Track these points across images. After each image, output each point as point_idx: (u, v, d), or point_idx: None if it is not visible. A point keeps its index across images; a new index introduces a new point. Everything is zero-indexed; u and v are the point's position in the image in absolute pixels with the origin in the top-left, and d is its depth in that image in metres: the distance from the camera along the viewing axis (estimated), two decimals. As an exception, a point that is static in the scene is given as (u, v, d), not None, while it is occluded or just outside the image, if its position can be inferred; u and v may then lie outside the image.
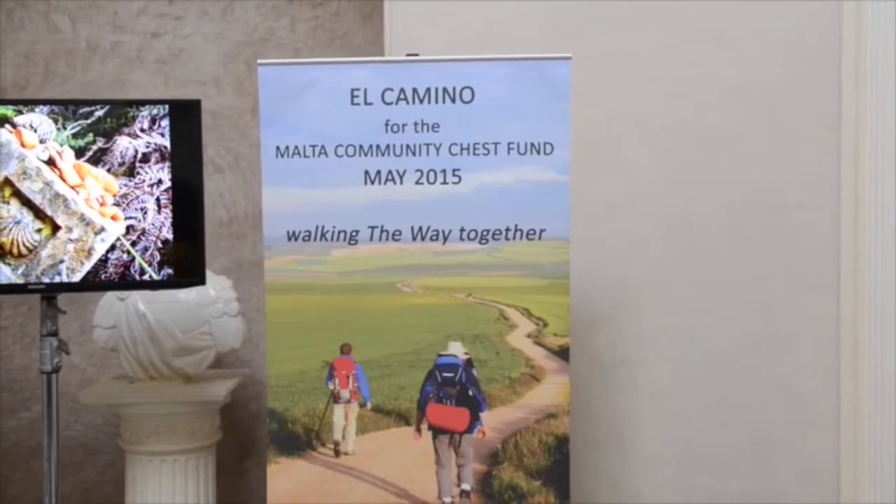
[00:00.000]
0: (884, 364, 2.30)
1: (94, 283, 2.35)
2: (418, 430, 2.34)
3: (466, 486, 2.32)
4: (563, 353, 2.34)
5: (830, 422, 2.33)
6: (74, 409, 3.16)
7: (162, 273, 2.38)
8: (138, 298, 2.83)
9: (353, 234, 2.35)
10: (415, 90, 2.32)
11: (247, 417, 3.37)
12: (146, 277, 2.38)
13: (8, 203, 2.28)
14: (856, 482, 2.29)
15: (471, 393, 2.33)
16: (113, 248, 2.35)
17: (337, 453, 2.35)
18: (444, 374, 2.34)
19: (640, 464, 2.62)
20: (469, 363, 2.34)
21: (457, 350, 2.34)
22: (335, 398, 2.37)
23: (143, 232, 2.37)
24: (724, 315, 2.50)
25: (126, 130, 2.34)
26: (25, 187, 2.30)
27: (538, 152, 2.31)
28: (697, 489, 2.53)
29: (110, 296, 2.90)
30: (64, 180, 2.31)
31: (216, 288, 2.91)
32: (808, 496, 2.36)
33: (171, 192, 2.35)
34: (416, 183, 2.33)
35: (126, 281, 2.37)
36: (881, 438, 2.28)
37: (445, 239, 2.33)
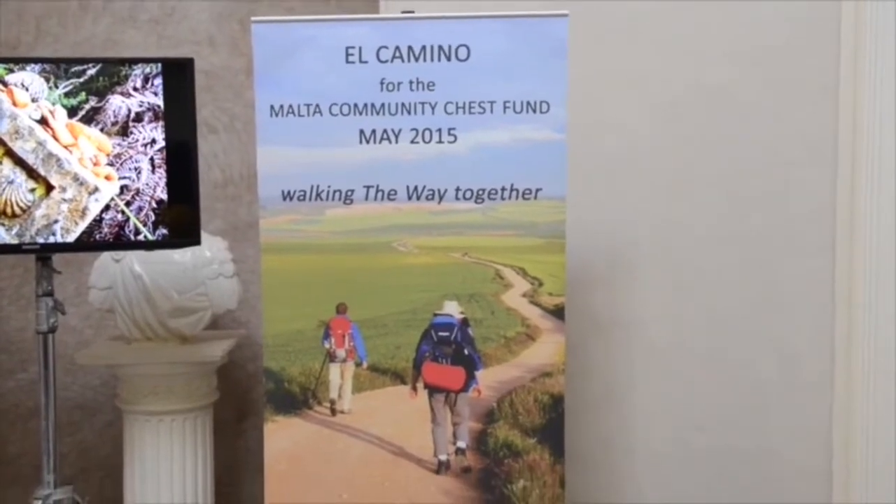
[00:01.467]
0: (878, 324, 2.31)
1: (88, 243, 2.34)
2: (414, 388, 2.35)
3: (462, 444, 2.33)
4: (558, 313, 2.34)
5: (824, 382, 2.34)
6: (71, 370, 3.17)
7: (157, 233, 2.38)
8: (134, 259, 2.83)
9: (349, 193, 2.34)
10: (410, 48, 2.30)
11: (244, 378, 3.38)
12: (141, 237, 2.37)
13: (0, 163, 2.27)
14: (847, 443, 2.31)
15: (466, 352, 2.34)
16: (107, 208, 2.34)
17: (333, 412, 2.37)
18: (440, 334, 2.35)
19: (634, 422, 2.64)
20: (465, 322, 2.34)
21: (452, 309, 2.35)
22: (331, 357, 2.38)
23: (138, 192, 2.36)
24: (720, 275, 2.50)
25: (119, 89, 2.31)
26: (18, 147, 2.28)
27: (535, 111, 2.29)
28: (691, 447, 2.55)
29: (105, 257, 2.90)
30: (57, 140, 2.29)
31: (212, 249, 2.90)
32: (800, 456, 2.38)
33: (164, 152, 2.34)
34: (412, 142, 2.32)
35: (121, 241, 2.37)
36: (874, 399, 2.29)
37: (441, 198, 2.32)
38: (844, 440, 2.31)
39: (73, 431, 3.22)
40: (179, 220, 2.38)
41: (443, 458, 2.33)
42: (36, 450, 2.49)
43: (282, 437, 2.37)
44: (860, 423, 2.30)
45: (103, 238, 2.35)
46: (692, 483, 2.54)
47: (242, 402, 3.38)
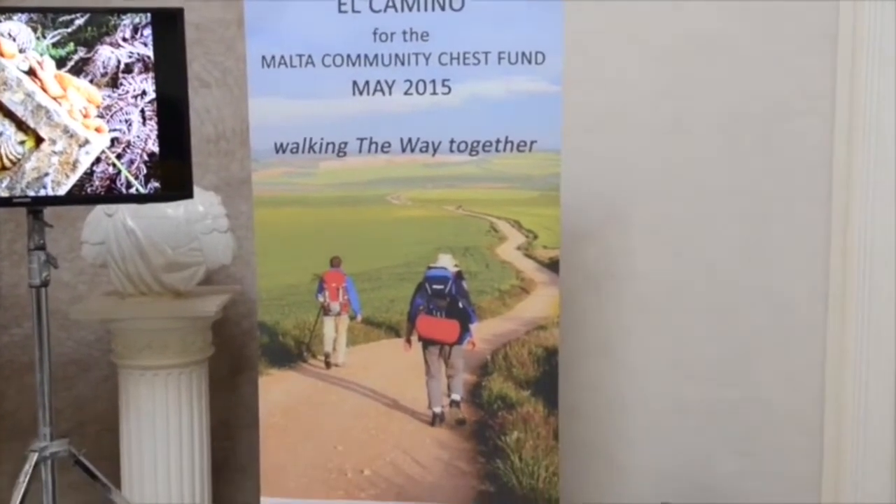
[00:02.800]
0: (873, 273, 2.30)
1: (79, 196, 2.33)
2: (408, 341, 2.36)
3: (456, 397, 2.34)
4: (552, 266, 2.34)
5: (817, 332, 2.35)
6: (66, 325, 3.17)
7: (148, 186, 2.36)
8: (126, 214, 2.81)
9: (342, 145, 2.32)
10: (403, -3, 2.27)
11: (238, 334, 3.38)
12: (133, 191, 2.35)
13: (-11, 115, 2.24)
14: (840, 391, 2.32)
15: (461, 305, 2.34)
16: (98, 160, 2.32)
17: (328, 365, 2.37)
18: (434, 287, 2.34)
19: (628, 374, 2.66)
20: (459, 275, 2.34)
21: (447, 262, 2.34)
22: (325, 311, 2.38)
23: (129, 144, 2.33)
24: (715, 226, 2.49)
25: (108, 40, 2.28)
26: (6, 98, 2.25)
27: (529, 62, 2.27)
28: (684, 398, 2.56)
29: (98, 212, 2.88)
30: (45, 91, 2.26)
31: (205, 204, 2.88)
32: (792, 405, 2.39)
33: (155, 104, 2.31)
34: (406, 93, 2.30)
35: (112, 194, 2.35)
36: (868, 348, 2.30)
37: (435, 150, 2.31)
38: (836, 390, 2.32)
39: (68, 386, 3.23)
40: (171, 173, 2.36)
41: (437, 410, 2.35)
42: (32, 404, 2.49)
43: (276, 389, 2.38)
44: (852, 373, 2.32)
45: (95, 191, 2.33)
46: (686, 433, 2.56)
47: (237, 357, 3.39)
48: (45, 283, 2.41)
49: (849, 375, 2.33)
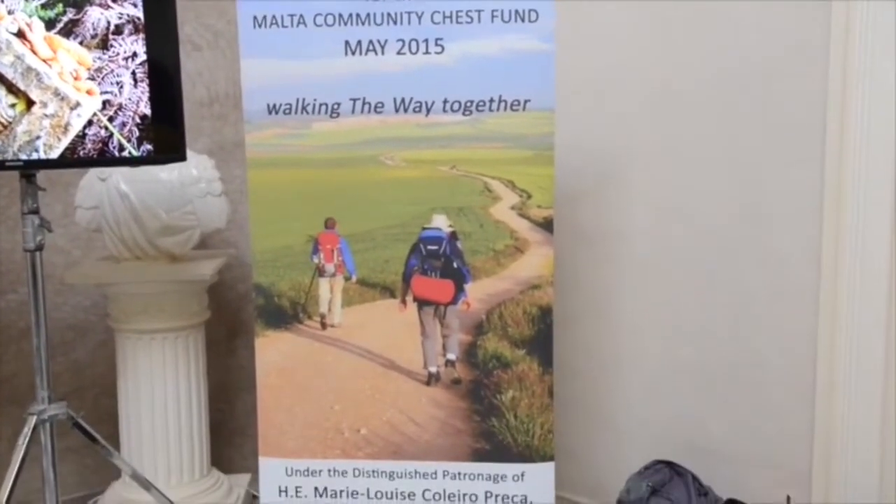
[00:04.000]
0: (866, 234, 2.30)
1: (72, 159, 2.32)
2: (403, 302, 2.36)
3: (451, 356, 2.36)
4: (547, 225, 2.34)
5: (810, 292, 2.35)
6: (62, 290, 3.17)
7: (141, 149, 2.35)
8: (120, 178, 2.80)
9: (335, 106, 2.31)
10: (396, -45, 2.24)
11: (234, 298, 3.39)
12: (125, 154, 2.34)
13: (-21, 78, 2.23)
14: (832, 350, 2.33)
15: (455, 265, 2.35)
16: (90, 123, 2.31)
17: (323, 326, 2.38)
18: (429, 247, 2.35)
19: (622, 334, 2.67)
20: (453, 236, 2.34)
21: (441, 223, 2.34)
22: (320, 272, 2.38)
23: (120, 107, 2.32)
24: (709, 187, 2.49)
25: (97, 1, 2.26)
26: (-4, 61, 2.24)
27: (523, 20, 2.25)
28: (678, 359, 2.58)
29: (91, 176, 2.87)
30: (35, 53, 2.24)
31: (198, 167, 2.88)
32: (785, 365, 2.41)
33: (146, 66, 2.29)
34: (398, 53, 2.28)
35: (105, 157, 2.34)
36: (860, 308, 2.31)
37: (428, 111, 2.30)
38: (829, 349, 2.33)
39: (66, 351, 3.24)
40: (164, 136, 2.35)
41: (433, 370, 2.36)
42: (30, 369, 2.50)
43: (273, 351, 2.39)
44: (845, 332, 2.33)
45: (87, 154, 2.32)
46: (679, 393, 2.58)
47: (233, 321, 3.40)
48: (40, 248, 2.41)
49: (841, 335, 2.33)
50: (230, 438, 3.39)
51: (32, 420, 2.46)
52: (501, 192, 2.34)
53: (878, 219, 2.27)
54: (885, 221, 2.26)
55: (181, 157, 2.42)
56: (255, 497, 2.94)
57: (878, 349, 2.28)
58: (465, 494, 2.34)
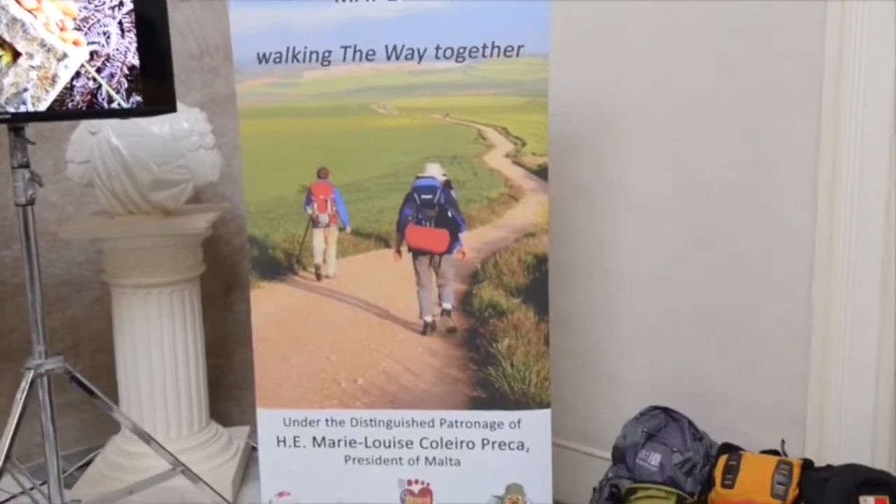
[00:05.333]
0: (862, 181, 2.29)
1: (60, 111, 2.29)
2: (398, 252, 2.36)
3: (447, 305, 2.36)
4: (541, 173, 2.32)
5: (806, 241, 2.35)
6: (56, 246, 3.16)
7: (130, 101, 2.32)
8: (110, 132, 2.77)
9: (326, 54, 2.28)
10: None
11: (230, 253, 3.39)
12: (114, 105, 2.32)
13: (-37, 29, 2.19)
14: (827, 298, 2.33)
15: (450, 214, 2.33)
16: (77, 75, 2.28)
17: (318, 277, 2.38)
18: (423, 196, 2.33)
19: (618, 283, 2.66)
20: (447, 184, 2.32)
21: (435, 171, 2.32)
22: (314, 223, 2.37)
23: (108, 58, 2.29)
24: (705, 137, 2.46)
25: (81, -52, 2.21)
26: (-20, 12, 2.20)
27: (516, -37, 2.21)
28: (673, 308, 2.58)
29: (82, 130, 2.84)
30: (20, 3, 2.20)
31: (189, 120, 2.85)
32: (781, 311, 2.40)
33: (133, 15, 2.26)
34: (389, -1, 2.24)
35: (94, 109, 2.31)
36: (855, 255, 2.30)
37: (421, 58, 2.26)
38: (824, 295, 2.33)
39: (62, 307, 3.24)
40: (153, 87, 2.32)
41: (428, 319, 2.36)
42: (26, 325, 2.50)
43: (268, 302, 2.39)
44: (840, 280, 2.32)
45: (76, 106, 2.29)
46: (674, 341, 2.58)
47: (229, 275, 3.40)
48: (31, 202, 2.39)
49: (836, 282, 2.33)
50: (229, 392, 3.41)
51: (30, 374, 2.46)
52: (495, 139, 2.32)
53: (874, 167, 2.25)
54: (881, 170, 2.24)
55: (171, 109, 2.39)
56: (255, 449, 2.97)
57: (874, 295, 2.28)
58: (462, 442, 2.35)
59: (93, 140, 2.80)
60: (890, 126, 2.22)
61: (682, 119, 2.49)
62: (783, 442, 2.39)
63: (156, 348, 2.91)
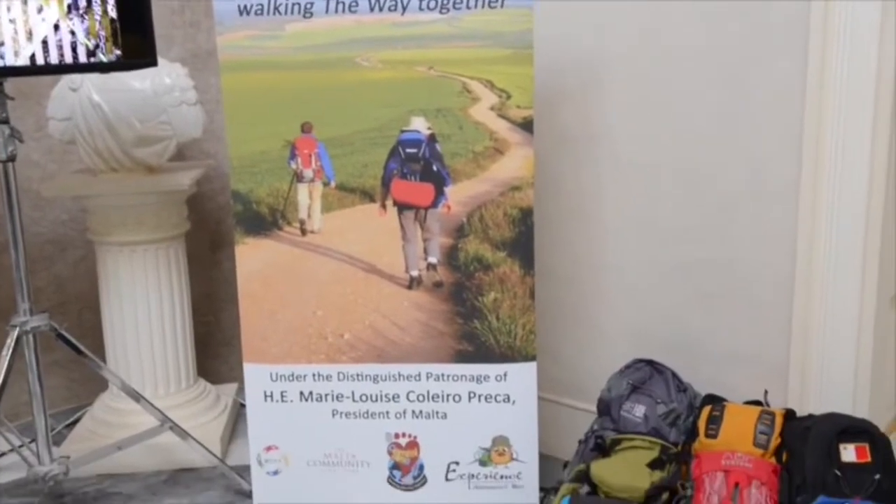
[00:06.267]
0: (847, 132, 2.29)
1: (39, 66, 2.26)
2: (383, 206, 2.35)
3: (433, 260, 2.35)
4: (526, 126, 2.31)
5: (790, 191, 2.35)
6: (39, 205, 3.14)
7: (110, 55, 2.29)
8: (91, 88, 2.74)
9: (308, 6, 2.24)
10: None
11: (215, 210, 3.37)
12: (94, 60, 2.29)
13: (-64, -18, 2.15)
14: (811, 248, 2.34)
15: (435, 168, 2.32)
16: (56, 28, 2.25)
17: (303, 232, 2.37)
18: (408, 150, 2.32)
19: (603, 236, 2.67)
20: (432, 138, 2.31)
21: (419, 125, 2.31)
22: (298, 177, 2.35)
23: (87, 10, 2.26)
24: (691, 87, 2.45)
25: None
26: (-47, -37, 2.16)
27: (499, -90, 2.17)
28: (659, 259, 2.58)
29: (62, 87, 2.81)
30: (-5, -46, 2.17)
31: (171, 76, 2.82)
32: (764, 261, 2.41)
33: (111, -34, 2.22)
34: (372, -52, 2.21)
35: (73, 63, 2.29)
36: (839, 204, 2.30)
37: (404, 9, 2.23)
38: (808, 245, 2.34)
39: (47, 266, 3.23)
40: (133, 40, 2.30)
41: (414, 273, 2.36)
42: (11, 283, 2.49)
43: (253, 258, 2.38)
44: (824, 228, 2.33)
45: (55, 61, 2.26)
46: (659, 292, 2.59)
47: (215, 233, 3.39)
48: (12, 158, 2.37)
49: (820, 231, 2.34)
50: (216, 350, 3.42)
51: (15, 332, 2.47)
52: (480, 92, 2.30)
53: (859, 117, 2.25)
54: (866, 120, 2.24)
55: (152, 62, 2.37)
56: (243, 406, 2.98)
57: (857, 246, 2.29)
58: (448, 395, 2.37)
59: (74, 96, 2.77)
60: (875, 76, 2.21)
61: (667, 70, 2.48)
62: (766, 392, 2.42)
63: (142, 306, 2.91)
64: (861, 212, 2.28)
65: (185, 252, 2.99)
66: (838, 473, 2.11)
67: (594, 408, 2.53)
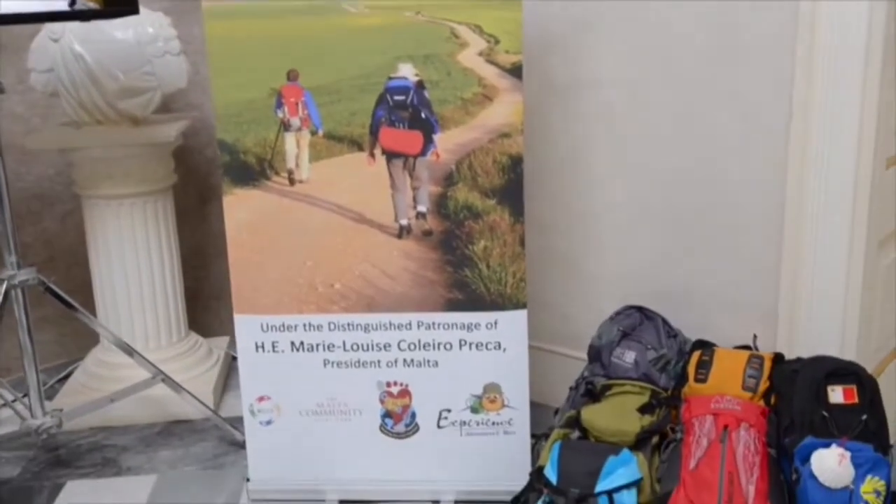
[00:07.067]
0: (838, 72, 2.27)
1: (18, 14, 2.22)
2: (372, 155, 2.33)
3: (422, 208, 2.34)
4: (515, 71, 2.28)
5: (780, 135, 2.34)
6: (24, 160, 3.10)
7: (91, 2, 2.25)
8: (73, 38, 2.70)
9: (292, -50, 2.20)
10: None
11: (203, 163, 3.34)
12: (75, 7, 2.25)
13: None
14: (801, 191, 2.34)
15: (423, 115, 2.30)
16: (34, -26, 2.20)
17: (292, 182, 2.35)
18: (396, 98, 2.29)
19: (593, 184, 2.66)
20: (420, 85, 2.28)
21: (407, 72, 2.28)
22: (285, 126, 2.33)
23: (65, -44, 2.21)
24: (681, 31, 2.43)
25: None
26: None
27: None
28: (650, 206, 2.58)
29: (43, 37, 2.76)
30: None
31: (154, 25, 2.77)
32: (755, 207, 2.41)
33: None
34: None
35: (54, 11, 2.24)
36: (829, 148, 2.30)
37: (390, -47, 2.19)
38: (798, 188, 2.34)
39: (34, 221, 3.20)
40: (113, -13, 2.26)
41: (403, 222, 2.35)
42: (-1, 240, 2.48)
43: (241, 209, 2.36)
44: (814, 173, 2.32)
45: (31, 9, 2.22)
46: (650, 239, 2.59)
47: (203, 187, 3.36)
48: (-6, 108, 2.34)
49: (809, 175, 2.33)
50: (207, 303, 3.41)
51: (3, 286, 2.46)
52: (468, 37, 2.27)
53: (851, 57, 2.23)
54: (857, 60, 2.22)
55: (133, 10, 2.33)
56: (235, 359, 2.98)
57: (847, 190, 2.29)
58: (439, 343, 2.37)
59: (55, 47, 2.72)
60: (867, 17, 2.19)
61: (656, 14, 2.45)
62: (755, 337, 2.43)
63: (131, 260, 2.89)
64: (851, 156, 2.27)
65: (173, 205, 2.97)
66: (826, 415, 2.13)
67: (585, 355, 2.54)
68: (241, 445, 2.59)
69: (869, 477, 2.01)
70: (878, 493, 2.00)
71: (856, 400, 2.15)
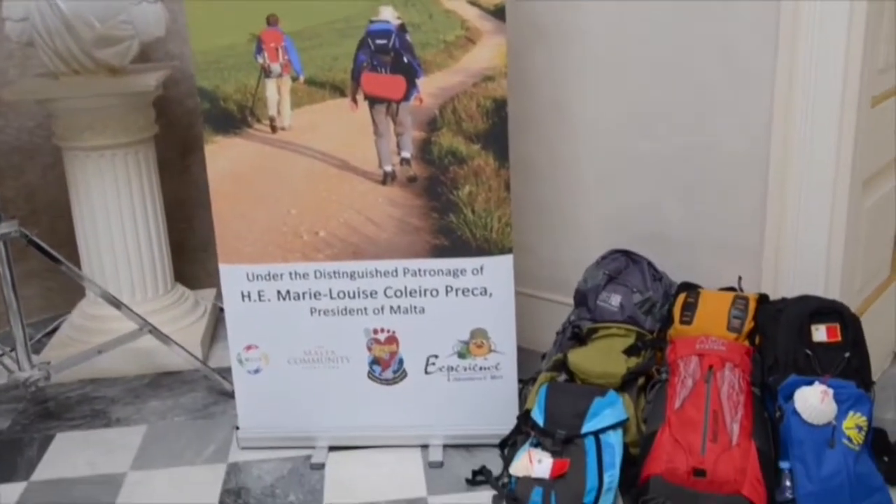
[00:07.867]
0: (823, 18, 2.25)
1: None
2: (354, 100, 2.30)
3: (406, 154, 2.32)
4: (498, 13, 2.25)
5: (766, 80, 2.32)
6: (3, 112, 3.06)
7: (64, -53, 2.20)
8: (47, -14, 2.64)
9: None
10: None
11: (184, 115, 3.30)
12: (47, -48, 2.20)
13: None
14: (786, 137, 2.33)
15: (405, 59, 2.27)
16: (4, -81, 2.15)
17: (273, 129, 2.32)
18: (377, 42, 2.25)
19: (579, 131, 2.64)
20: (402, 28, 2.24)
21: (388, 15, 2.24)
22: (266, 72, 2.29)
23: None
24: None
25: None
26: None
27: None
28: (634, 150, 2.57)
29: (16, -15, 2.70)
30: None
31: (130, -28, 2.72)
32: (740, 149, 2.40)
33: None
34: None
35: (25, -43, 2.20)
36: (814, 94, 2.29)
37: None
38: (783, 135, 2.33)
39: (15, 175, 3.17)
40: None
41: (388, 168, 2.33)
42: (-22, 192, 2.45)
43: (223, 157, 2.34)
44: (799, 114, 2.31)
45: (5, -47, 2.17)
46: (635, 183, 2.59)
47: (185, 138, 3.32)
48: (-33, 58, 2.30)
49: (794, 120, 2.32)
50: (193, 255, 3.40)
51: (-16, 239, 2.43)
52: (450, -22, 2.23)
53: (836, 5, 2.21)
54: (843, 8, 2.21)
55: (107, -45, 2.27)
56: (222, 310, 2.98)
57: (832, 130, 2.29)
58: (425, 290, 2.37)
59: (29, -5, 2.66)
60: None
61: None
62: (740, 279, 2.44)
63: (114, 212, 2.87)
64: (836, 95, 2.26)
65: (155, 156, 2.94)
66: (809, 353, 2.16)
67: (571, 300, 2.55)
68: (230, 395, 2.60)
69: (851, 413, 2.04)
70: (859, 428, 2.03)
71: (839, 338, 2.17)
